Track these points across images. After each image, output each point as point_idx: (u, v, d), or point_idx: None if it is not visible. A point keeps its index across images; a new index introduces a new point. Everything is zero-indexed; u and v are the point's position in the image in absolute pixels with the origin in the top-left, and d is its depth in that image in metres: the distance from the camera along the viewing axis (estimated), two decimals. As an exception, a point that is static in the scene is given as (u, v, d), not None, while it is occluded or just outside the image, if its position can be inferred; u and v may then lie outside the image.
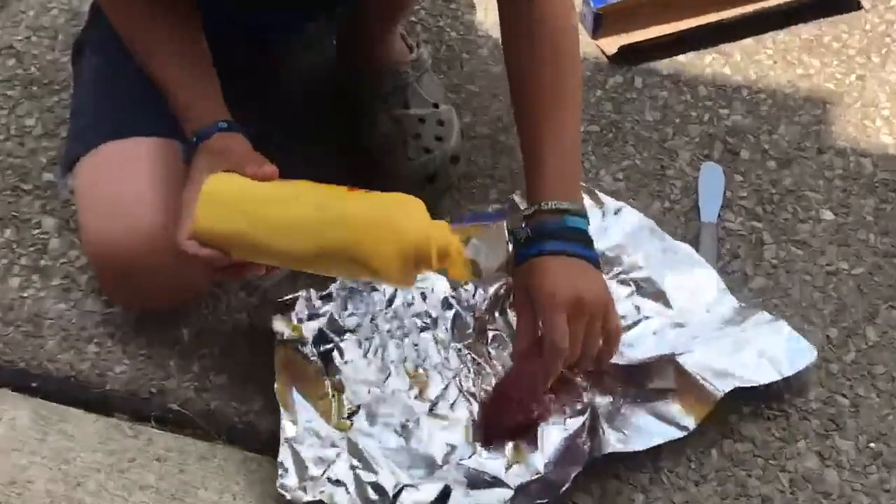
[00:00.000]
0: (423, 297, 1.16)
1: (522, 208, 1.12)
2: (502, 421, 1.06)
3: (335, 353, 1.12)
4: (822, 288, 1.23)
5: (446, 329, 1.15)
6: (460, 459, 1.05)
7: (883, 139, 1.38)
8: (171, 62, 1.06)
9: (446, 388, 1.10)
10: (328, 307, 1.14)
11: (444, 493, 1.01)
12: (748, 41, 1.48)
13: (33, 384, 1.13)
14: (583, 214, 1.08)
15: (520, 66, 1.10)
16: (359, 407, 1.08)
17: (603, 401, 1.09)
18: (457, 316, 1.15)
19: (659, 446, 1.06)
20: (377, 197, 0.97)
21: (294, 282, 1.18)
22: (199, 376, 1.14)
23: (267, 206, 0.97)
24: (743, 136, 1.38)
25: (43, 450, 1.06)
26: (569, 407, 1.08)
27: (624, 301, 1.17)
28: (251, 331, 1.17)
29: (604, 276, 1.15)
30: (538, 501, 1.01)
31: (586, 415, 1.07)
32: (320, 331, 1.13)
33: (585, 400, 1.09)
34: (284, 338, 1.11)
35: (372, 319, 1.14)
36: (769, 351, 1.11)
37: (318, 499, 1.00)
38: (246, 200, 0.97)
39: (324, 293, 1.15)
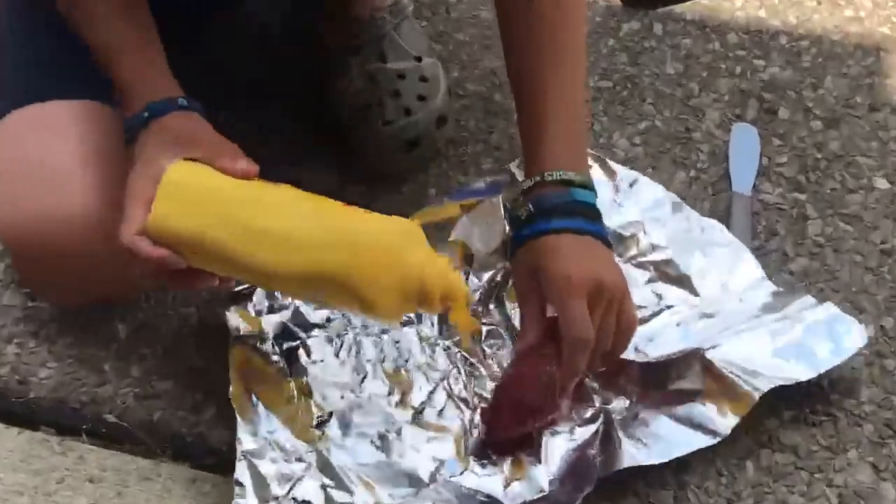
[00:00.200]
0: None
1: (521, 180, 1.12)
2: (510, 432, 1.06)
3: (301, 352, 1.12)
4: (876, 270, 1.23)
5: (432, 324, 1.15)
6: (450, 476, 1.05)
7: (947, 94, 1.39)
8: (116, 26, 1.04)
9: (433, 392, 1.11)
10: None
11: (431, 516, 1.02)
12: (787, -21, 1.49)
13: (-59, 393, 1.13)
14: (590, 186, 1.08)
15: (514, 9, 1.10)
16: (330, 415, 1.08)
17: (618, 405, 1.09)
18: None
19: (684, 458, 1.07)
20: (378, 219, 0.97)
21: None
22: (140, 381, 1.14)
23: (243, 209, 0.96)
24: (782, 92, 1.38)
25: (-45, 470, 1.07)
26: (577, 413, 1.08)
27: (642, 288, 1.17)
28: (201, 326, 1.17)
29: (619, 258, 1.16)
30: (542, 525, 1.02)
31: (598, 422, 1.07)
32: (283, 325, 1.13)
33: (597, 404, 1.09)
34: (241, 334, 1.11)
35: (344, 313, 1.15)
36: (813, 343, 1.11)
37: (281, 523, 1.00)
38: (217, 200, 0.96)
39: (287, 281, 1.15)
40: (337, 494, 1.02)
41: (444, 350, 1.14)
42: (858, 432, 1.11)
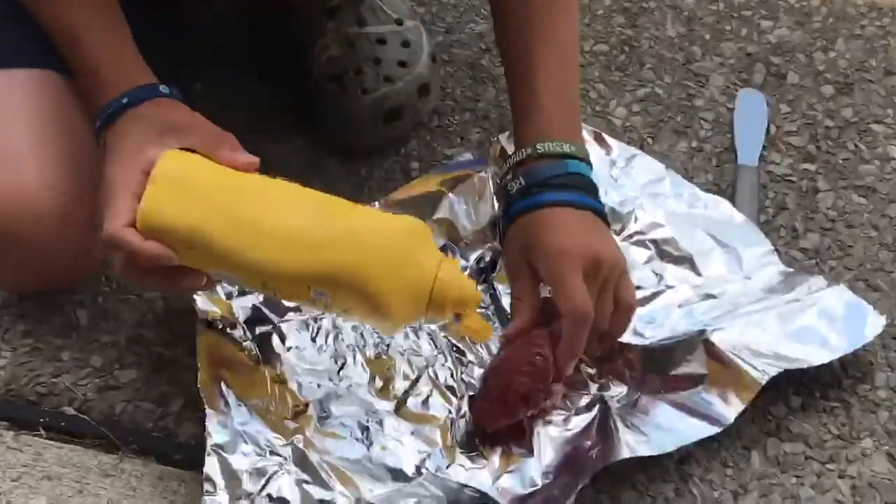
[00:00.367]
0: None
1: (511, 153, 1.13)
2: (500, 422, 1.07)
3: (274, 338, 1.12)
4: (892, 245, 1.24)
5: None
6: (436, 470, 1.05)
7: (968, 56, 1.40)
8: (80, 4, 1.04)
9: (417, 380, 1.11)
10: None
11: (416, 513, 1.02)
12: (796, -67, 1.49)
13: None
14: (586, 159, 1.09)
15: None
16: (306, 405, 1.09)
17: (615, 392, 1.10)
18: (429, 290, 1.16)
19: (687, 449, 1.08)
20: (390, 218, 0.99)
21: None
22: (101, 371, 1.14)
23: (245, 203, 0.96)
24: (791, 55, 1.39)
25: None
26: (572, 401, 1.09)
27: (642, 268, 1.18)
28: (167, 312, 1.17)
29: (616, 236, 1.16)
30: (534, 522, 1.02)
31: (594, 411, 1.08)
32: (255, 309, 1.13)
33: (593, 392, 1.10)
34: (209, 318, 1.12)
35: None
36: (825, 325, 1.12)
37: (255, 522, 1.01)
38: (217, 192, 0.96)
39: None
40: (315, 491, 1.02)
41: (429, 335, 1.14)
42: (873, 419, 1.12)
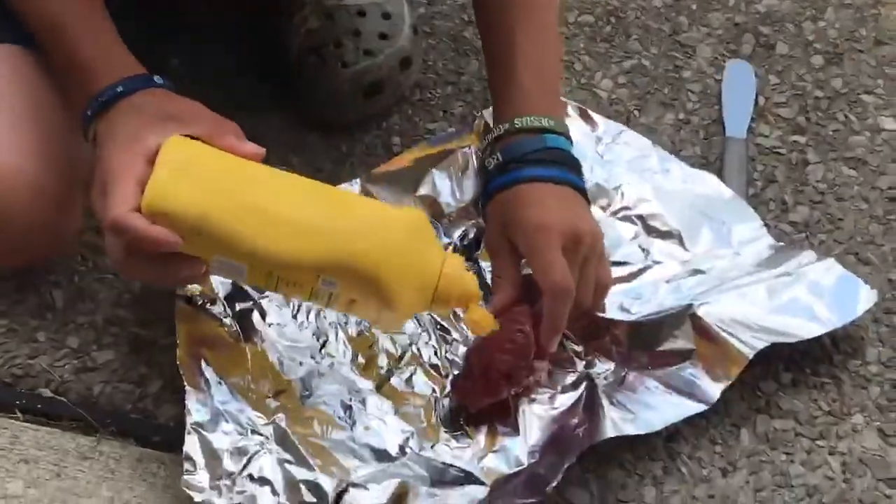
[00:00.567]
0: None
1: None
2: (484, 400, 1.08)
3: (255, 314, 1.13)
4: (883, 218, 1.25)
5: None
6: (420, 450, 1.06)
7: (961, 25, 1.41)
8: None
9: (400, 358, 1.12)
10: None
11: (400, 493, 1.02)
12: None
13: None
14: (565, 133, 1.10)
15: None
16: (288, 383, 1.09)
17: (602, 370, 1.11)
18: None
19: (675, 426, 1.09)
20: (398, 212, 1.01)
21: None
22: (78, 352, 1.14)
23: (255, 191, 0.97)
24: (780, 25, 1.40)
25: None
26: (557, 379, 1.10)
27: (629, 243, 1.19)
28: (144, 291, 1.17)
29: (602, 212, 1.18)
30: (520, 501, 1.02)
31: (580, 389, 1.09)
32: (235, 285, 1.13)
33: (580, 369, 1.11)
34: (189, 294, 1.12)
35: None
36: (814, 299, 1.13)
37: (236, 502, 1.00)
38: (226, 179, 0.97)
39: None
40: (297, 471, 1.03)
41: (412, 312, 1.15)
42: (864, 395, 1.14)
